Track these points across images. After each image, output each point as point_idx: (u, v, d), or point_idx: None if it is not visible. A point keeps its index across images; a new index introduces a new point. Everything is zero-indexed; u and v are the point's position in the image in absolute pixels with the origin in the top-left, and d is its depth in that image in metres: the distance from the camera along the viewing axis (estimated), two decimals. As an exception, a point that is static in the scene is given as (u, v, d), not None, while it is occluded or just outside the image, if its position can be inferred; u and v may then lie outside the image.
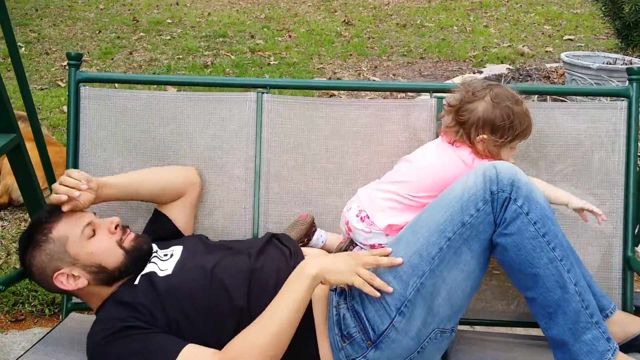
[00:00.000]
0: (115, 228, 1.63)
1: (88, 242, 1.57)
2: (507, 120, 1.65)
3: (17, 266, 2.74)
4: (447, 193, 1.55)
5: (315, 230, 1.86)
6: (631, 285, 1.89)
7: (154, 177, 1.85)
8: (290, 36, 6.58)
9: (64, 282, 1.55)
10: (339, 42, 6.55)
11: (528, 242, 1.46)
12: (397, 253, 1.53)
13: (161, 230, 1.82)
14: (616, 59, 4.50)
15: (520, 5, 7.62)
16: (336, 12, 7.47)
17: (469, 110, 1.67)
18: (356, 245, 1.78)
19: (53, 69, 5.46)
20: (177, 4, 7.78)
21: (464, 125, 1.68)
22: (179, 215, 1.87)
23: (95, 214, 1.67)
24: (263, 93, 1.98)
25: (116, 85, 2.62)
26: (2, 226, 3.11)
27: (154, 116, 1.99)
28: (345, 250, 1.79)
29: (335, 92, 4.63)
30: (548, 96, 3.59)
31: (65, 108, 4.63)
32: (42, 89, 5.06)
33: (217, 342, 1.47)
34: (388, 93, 4.21)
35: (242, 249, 1.73)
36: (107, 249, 1.59)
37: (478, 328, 2.01)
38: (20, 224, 3.12)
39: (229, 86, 2.18)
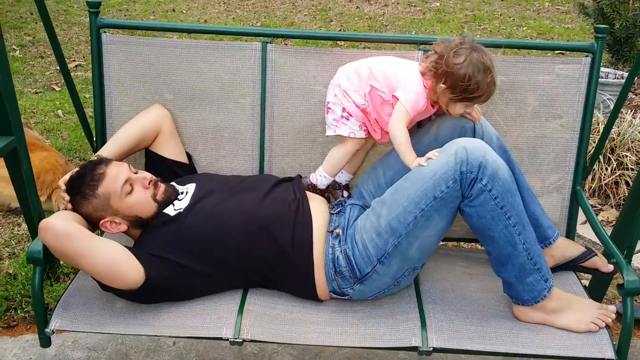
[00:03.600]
0: (149, 183, 1.95)
1: (127, 198, 1.90)
2: (466, 82, 1.86)
3: (10, 271, 2.73)
4: (424, 167, 1.82)
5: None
6: (576, 215, 2.26)
7: (132, 129, 2.16)
8: (286, 44, 6.62)
9: (108, 227, 1.91)
10: (334, 52, 6.58)
11: (488, 212, 1.76)
12: (381, 215, 1.85)
13: (161, 167, 2.16)
14: (608, 73, 4.56)
15: (513, 19, 7.70)
16: (332, 21, 7.52)
17: (445, 62, 1.88)
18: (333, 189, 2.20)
19: (48, 72, 5.46)
20: (174, 10, 7.81)
21: (435, 72, 1.91)
22: (165, 148, 2.20)
23: (130, 166, 1.96)
24: (267, 43, 2.20)
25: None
26: (-5, 229, 3.10)
27: (171, 62, 2.23)
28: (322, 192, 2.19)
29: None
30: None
31: (60, 112, 4.63)
32: (36, 93, 5.06)
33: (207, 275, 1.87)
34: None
35: (251, 187, 2.02)
36: (143, 204, 1.92)
37: (448, 244, 2.51)
38: (13, 229, 3.11)
39: (236, 34, 2.51)
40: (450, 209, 1.80)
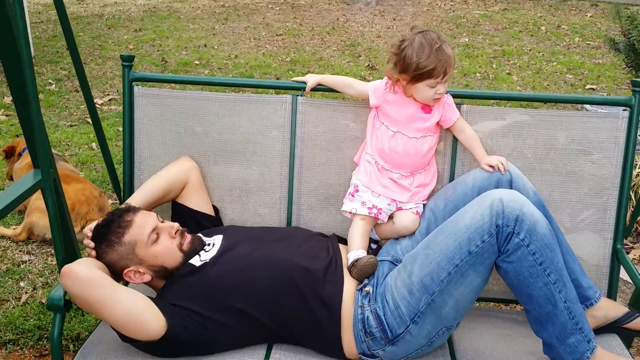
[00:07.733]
0: (175, 233, 1.92)
1: (153, 247, 1.87)
2: (410, 59, 1.92)
3: (43, 300, 2.76)
4: (458, 220, 1.77)
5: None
6: (617, 274, 2.17)
7: (160, 180, 2.16)
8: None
9: (131, 277, 1.88)
10: (363, 86, 6.62)
11: (526, 269, 1.69)
12: (412, 271, 1.79)
13: (188, 219, 2.14)
14: None
15: (543, 55, 7.68)
16: (360, 56, 7.59)
17: (394, 51, 1.99)
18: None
19: (82, 106, 5.58)
20: (205, 45, 7.96)
21: (392, 65, 2.01)
22: (192, 199, 2.19)
23: (157, 216, 1.95)
24: (297, 96, 2.22)
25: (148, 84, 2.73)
26: (29, 260, 3.15)
27: (201, 114, 2.25)
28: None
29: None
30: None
31: (94, 145, 4.72)
32: (71, 126, 5.18)
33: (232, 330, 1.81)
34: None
35: (282, 239, 2.00)
36: (169, 253, 1.89)
37: (482, 304, 2.45)
38: (47, 259, 3.15)
39: (268, 88, 2.58)
40: (486, 265, 1.73)
